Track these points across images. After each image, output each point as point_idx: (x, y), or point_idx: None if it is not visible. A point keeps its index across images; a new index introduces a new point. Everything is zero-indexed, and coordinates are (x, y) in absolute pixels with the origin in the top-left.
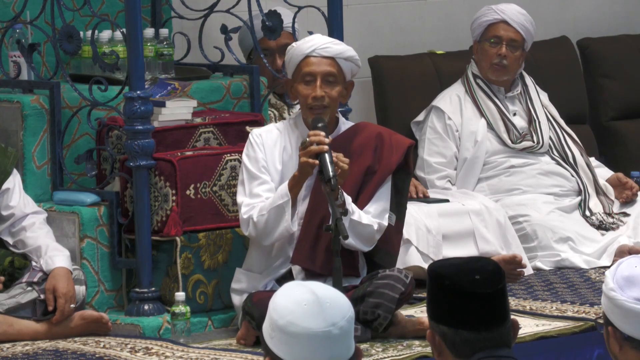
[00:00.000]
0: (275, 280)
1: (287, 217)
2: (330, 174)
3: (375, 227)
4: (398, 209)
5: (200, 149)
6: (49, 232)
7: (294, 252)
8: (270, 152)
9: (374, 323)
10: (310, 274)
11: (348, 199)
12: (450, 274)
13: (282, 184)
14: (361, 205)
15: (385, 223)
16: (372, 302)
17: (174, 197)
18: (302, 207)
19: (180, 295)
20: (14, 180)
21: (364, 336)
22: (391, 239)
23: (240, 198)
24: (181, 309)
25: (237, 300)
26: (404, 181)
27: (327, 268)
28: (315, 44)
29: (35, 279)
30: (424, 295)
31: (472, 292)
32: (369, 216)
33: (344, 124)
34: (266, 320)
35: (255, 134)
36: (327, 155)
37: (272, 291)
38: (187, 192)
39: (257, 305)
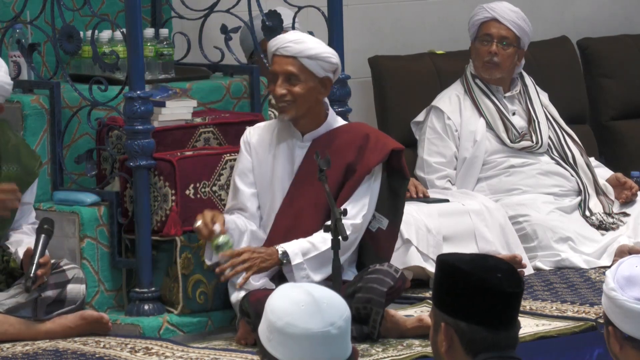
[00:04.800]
0: (269, 278)
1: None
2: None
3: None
4: (393, 211)
5: (200, 149)
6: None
7: (268, 238)
8: (254, 152)
9: (369, 320)
10: None
11: (292, 250)
12: (474, 270)
13: (269, 186)
14: (340, 202)
15: (358, 221)
16: (362, 297)
17: (174, 197)
18: (281, 193)
19: (216, 226)
20: (33, 194)
21: (361, 334)
22: (381, 242)
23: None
24: (223, 239)
25: (234, 296)
26: (400, 185)
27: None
28: (278, 43)
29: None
30: (424, 295)
31: (502, 291)
32: (327, 236)
33: (336, 122)
34: (262, 323)
35: (247, 131)
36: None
37: (269, 290)
38: (187, 192)
39: (254, 305)
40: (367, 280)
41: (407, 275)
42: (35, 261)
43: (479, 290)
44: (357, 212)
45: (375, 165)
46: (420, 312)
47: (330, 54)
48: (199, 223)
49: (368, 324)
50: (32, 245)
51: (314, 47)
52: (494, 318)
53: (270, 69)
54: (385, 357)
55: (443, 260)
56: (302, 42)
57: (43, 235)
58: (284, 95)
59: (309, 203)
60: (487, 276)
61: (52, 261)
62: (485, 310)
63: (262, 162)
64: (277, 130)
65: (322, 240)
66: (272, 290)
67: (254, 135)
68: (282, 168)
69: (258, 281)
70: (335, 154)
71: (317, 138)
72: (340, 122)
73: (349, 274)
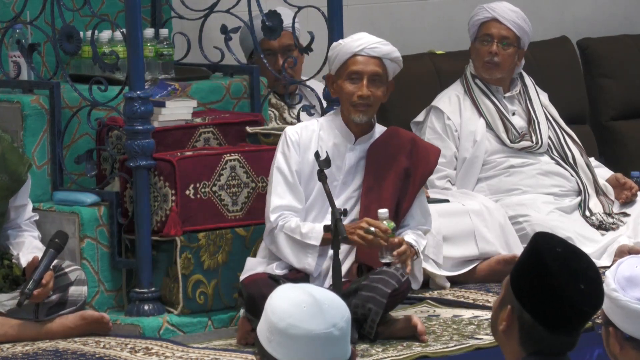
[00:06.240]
0: (289, 269)
1: (310, 260)
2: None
3: (427, 239)
4: None
5: (200, 149)
6: (37, 233)
7: (357, 251)
8: (303, 153)
9: (367, 320)
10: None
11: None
12: (559, 271)
13: (304, 187)
14: (405, 207)
15: (430, 227)
16: (364, 295)
17: (174, 197)
18: (357, 207)
19: (383, 212)
20: (26, 195)
21: (353, 337)
22: None
23: (268, 195)
24: (390, 223)
25: None
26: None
27: (377, 263)
28: (365, 43)
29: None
30: (424, 295)
31: (578, 308)
32: (423, 238)
33: (378, 128)
34: (262, 323)
35: (292, 132)
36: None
37: (261, 273)
38: (187, 192)
39: (247, 287)
40: (373, 279)
41: None
42: (36, 277)
43: (555, 295)
44: (428, 217)
45: (434, 168)
46: (420, 313)
47: (401, 58)
48: (373, 229)
49: (365, 324)
50: (34, 249)
51: (396, 50)
52: (560, 324)
53: (351, 68)
54: (385, 357)
55: (536, 245)
56: (387, 44)
57: (51, 250)
58: (368, 97)
59: (388, 206)
60: (569, 284)
61: (54, 263)
62: (554, 316)
63: (303, 162)
64: (323, 131)
65: (416, 238)
66: (267, 275)
67: (301, 135)
68: (327, 170)
69: (282, 270)
70: (391, 159)
71: (372, 143)
72: (380, 127)
73: None
